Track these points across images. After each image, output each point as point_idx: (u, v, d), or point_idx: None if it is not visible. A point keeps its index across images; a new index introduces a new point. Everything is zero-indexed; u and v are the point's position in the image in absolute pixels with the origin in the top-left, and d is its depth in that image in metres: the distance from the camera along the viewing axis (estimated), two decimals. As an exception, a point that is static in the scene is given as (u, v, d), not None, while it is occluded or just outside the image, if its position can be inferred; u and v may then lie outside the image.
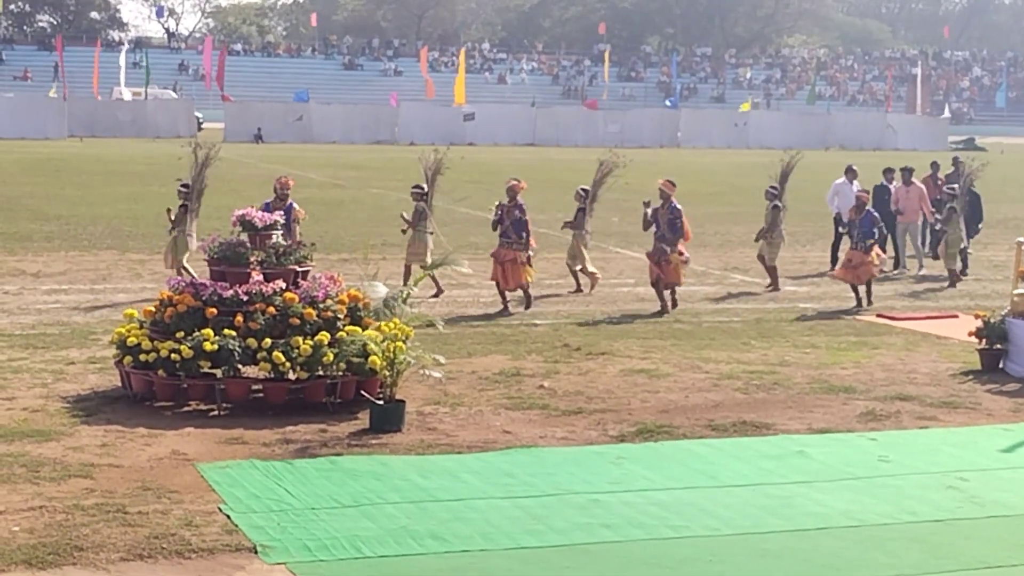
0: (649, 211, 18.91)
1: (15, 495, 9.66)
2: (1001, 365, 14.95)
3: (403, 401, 12.04)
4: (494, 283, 18.70)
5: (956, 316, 18.57)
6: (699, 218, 32.19)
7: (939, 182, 27.99)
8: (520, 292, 18.80)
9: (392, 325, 12.11)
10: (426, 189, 19.70)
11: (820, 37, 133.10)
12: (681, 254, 18.76)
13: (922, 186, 24.52)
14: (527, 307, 18.65)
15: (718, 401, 13.29)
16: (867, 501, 10.08)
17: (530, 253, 18.70)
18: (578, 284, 20.52)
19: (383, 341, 11.98)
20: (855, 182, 24.07)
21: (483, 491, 10.11)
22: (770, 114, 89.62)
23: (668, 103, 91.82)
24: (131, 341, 12.48)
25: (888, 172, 24.46)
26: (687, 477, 10.63)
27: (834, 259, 23.23)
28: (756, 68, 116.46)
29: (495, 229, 18.90)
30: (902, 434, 12.22)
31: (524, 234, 18.55)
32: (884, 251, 19.92)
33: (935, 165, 28.18)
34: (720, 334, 17.05)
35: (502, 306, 18.46)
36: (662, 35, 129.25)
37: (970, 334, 15.42)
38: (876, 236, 19.49)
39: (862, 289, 19.46)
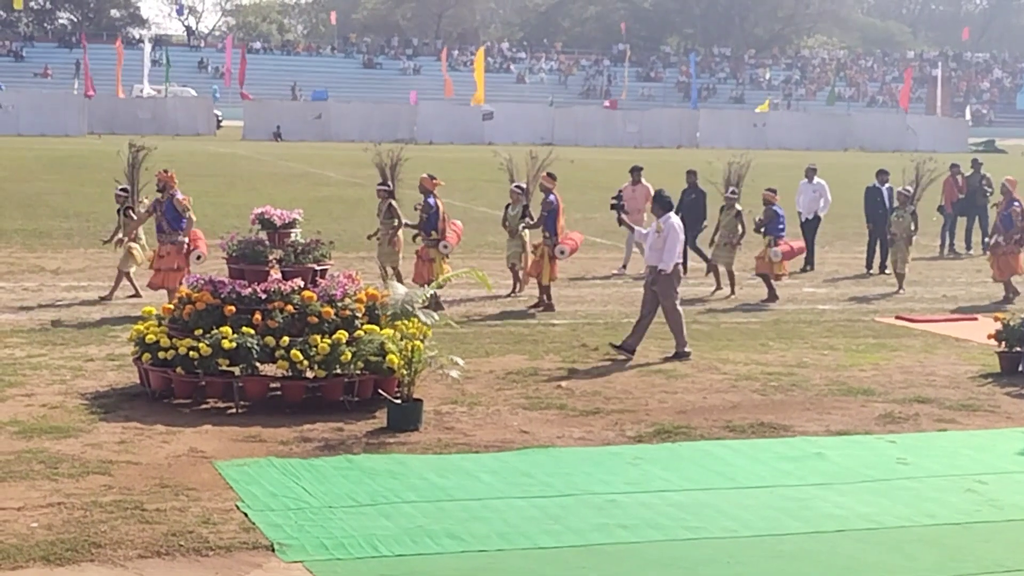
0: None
1: (34, 491, 9.69)
2: (1021, 368, 14.88)
3: (421, 400, 12.04)
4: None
5: (975, 318, 18.52)
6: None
7: (959, 184, 28.00)
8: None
9: (410, 324, 12.12)
10: (391, 186, 19.61)
11: (840, 38, 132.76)
12: (558, 247, 18.33)
13: (649, 186, 22.45)
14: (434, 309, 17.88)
15: (736, 402, 13.26)
16: (885, 503, 10.05)
17: (444, 250, 18.21)
18: (515, 285, 20.00)
19: (401, 340, 11.99)
20: (816, 179, 24.31)
21: (500, 491, 10.10)
22: (789, 115, 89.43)
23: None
24: (150, 338, 12.52)
25: (882, 174, 24.27)
26: (704, 478, 10.62)
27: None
28: (776, 69, 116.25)
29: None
30: (920, 437, 12.19)
31: (436, 230, 18.12)
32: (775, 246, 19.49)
33: (955, 167, 28.16)
34: (738, 335, 17.02)
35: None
36: (681, 35, 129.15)
37: (989, 336, 15.37)
38: (781, 233, 19.14)
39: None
